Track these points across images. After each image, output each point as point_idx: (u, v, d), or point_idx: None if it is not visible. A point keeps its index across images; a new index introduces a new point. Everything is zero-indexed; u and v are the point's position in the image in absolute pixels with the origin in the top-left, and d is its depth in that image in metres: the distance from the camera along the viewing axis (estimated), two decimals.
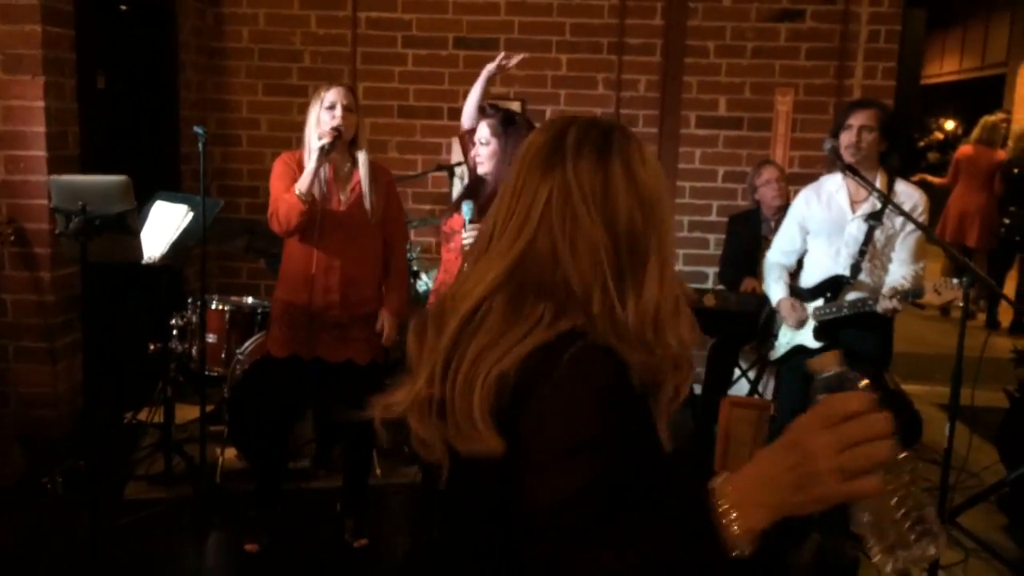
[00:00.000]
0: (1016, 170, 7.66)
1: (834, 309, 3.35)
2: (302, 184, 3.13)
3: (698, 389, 4.89)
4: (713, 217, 5.72)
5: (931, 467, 4.62)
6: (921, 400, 4.99)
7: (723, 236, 5.49)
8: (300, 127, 3.34)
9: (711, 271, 5.72)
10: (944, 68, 13.48)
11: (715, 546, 0.94)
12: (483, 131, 3.23)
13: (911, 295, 3.18)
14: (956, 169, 7.99)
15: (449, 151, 5.74)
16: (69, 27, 4.31)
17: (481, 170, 3.28)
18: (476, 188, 3.33)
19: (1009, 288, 7.97)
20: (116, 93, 4.91)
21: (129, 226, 2.98)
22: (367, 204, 3.30)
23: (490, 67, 3.57)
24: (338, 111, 3.19)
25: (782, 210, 4.63)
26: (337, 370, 3.39)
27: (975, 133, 8.02)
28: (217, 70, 5.81)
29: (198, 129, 3.52)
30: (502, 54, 3.65)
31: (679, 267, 5.79)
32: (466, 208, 3.16)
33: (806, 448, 0.93)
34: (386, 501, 4.02)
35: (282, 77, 5.78)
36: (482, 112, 3.31)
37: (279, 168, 3.29)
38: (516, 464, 1.09)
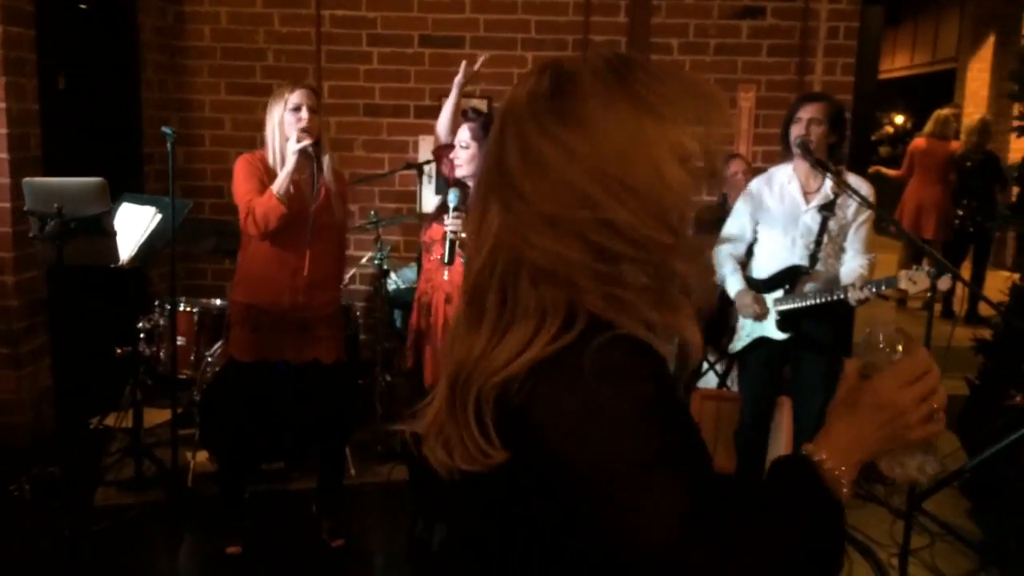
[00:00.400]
0: (968, 163, 7.83)
1: (797, 300, 3.40)
2: (280, 186, 3.12)
3: None
4: None
5: None
6: None
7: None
8: (263, 126, 3.31)
9: None
10: (896, 63, 13.74)
11: (836, 508, 1.00)
12: (463, 134, 3.24)
13: (884, 284, 3.24)
14: (911, 162, 8.14)
15: (416, 149, 5.74)
16: (30, 27, 4.24)
17: (460, 172, 3.28)
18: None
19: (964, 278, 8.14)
20: (77, 93, 4.83)
21: (105, 228, 2.94)
22: (333, 207, 3.30)
23: (458, 79, 3.55)
24: (304, 113, 3.18)
25: None
26: (304, 371, 3.38)
27: (928, 126, 8.17)
28: (179, 69, 5.75)
29: (166, 129, 3.49)
30: (464, 62, 3.60)
31: None
32: (452, 195, 3.16)
33: (897, 406, 1.03)
34: (361, 500, 4.01)
35: (245, 76, 5.73)
36: (464, 116, 3.31)
37: (245, 169, 3.25)
38: (537, 479, 1.01)
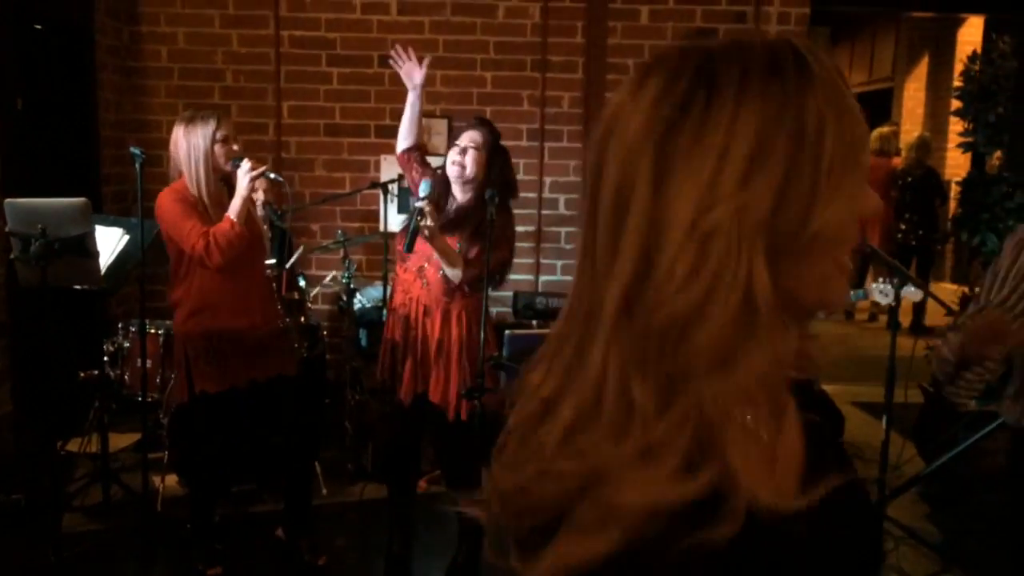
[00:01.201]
0: (910, 178, 8.10)
1: None
2: (237, 212, 3.13)
3: None
4: None
5: (853, 462, 4.89)
6: (836, 399, 5.23)
7: None
8: (178, 154, 3.30)
9: None
10: None
11: None
12: (477, 136, 3.23)
13: (854, 297, 3.34)
14: None
15: (378, 168, 5.76)
16: None
17: (465, 174, 3.22)
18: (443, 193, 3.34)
19: None
20: (34, 115, 4.76)
21: (88, 249, 2.92)
22: (259, 227, 3.40)
23: (418, 80, 3.48)
24: (236, 145, 3.27)
25: None
26: (268, 388, 3.38)
27: (871, 143, 8.45)
28: (136, 90, 5.69)
29: (135, 150, 3.48)
30: (424, 61, 3.53)
31: None
32: (424, 185, 3.18)
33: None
34: (334, 520, 4.00)
35: (204, 96, 5.69)
36: (478, 122, 3.31)
37: (180, 206, 3.19)
38: None
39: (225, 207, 3.21)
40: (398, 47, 3.56)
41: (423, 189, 3.16)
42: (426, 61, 3.52)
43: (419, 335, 3.25)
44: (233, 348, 3.28)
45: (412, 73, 3.47)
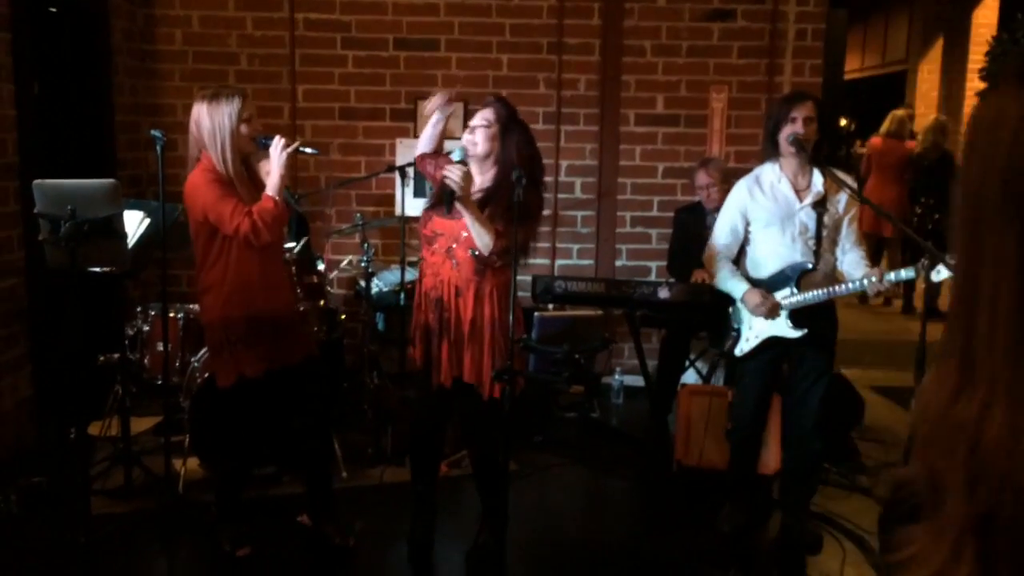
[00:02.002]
0: (926, 162, 8.04)
1: (811, 296, 3.44)
2: (276, 190, 3.12)
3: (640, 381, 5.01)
4: (654, 212, 5.86)
5: (873, 446, 4.88)
6: (856, 384, 5.20)
7: (664, 231, 5.64)
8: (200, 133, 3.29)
9: (653, 265, 5.86)
10: (847, 66, 14.02)
11: None
12: (488, 113, 3.21)
13: (903, 275, 3.29)
14: (868, 162, 8.32)
15: (393, 152, 5.73)
16: (6, 30, 4.15)
17: (478, 150, 3.20)
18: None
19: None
20: (50, 98, 4.74)
21: (116, 230, 2.90)
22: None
23: (441, 104, 3.57)
24: (256, 123, 3.24)
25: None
26: (296, 371, 3.36)
27: (884, 126, 8.37)
28: (150, 73, 5.68)
29: (156, 132, 3.45)
30: (446, 96, 3.62)
31: (622, 262, 5.92)
32: (457, 151, 3.18)
33: None
34: (355, 503, 3.99)
35: (218, 79, 5.65)
36: (491, 99, 3.28)
37: (217, 187, 3.14)
38: None
39: (247, 186, 3.19)
40: (439, 97, 3.61)
41: (456, 155, 3.16)
42: (455, 92, 3.67)
43: (452, 316, 3.23)
44: (271, 330, 3.27)
45: (446, 107, 3.58)
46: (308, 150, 3.30)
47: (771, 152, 3.54)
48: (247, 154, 3.26)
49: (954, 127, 9.69)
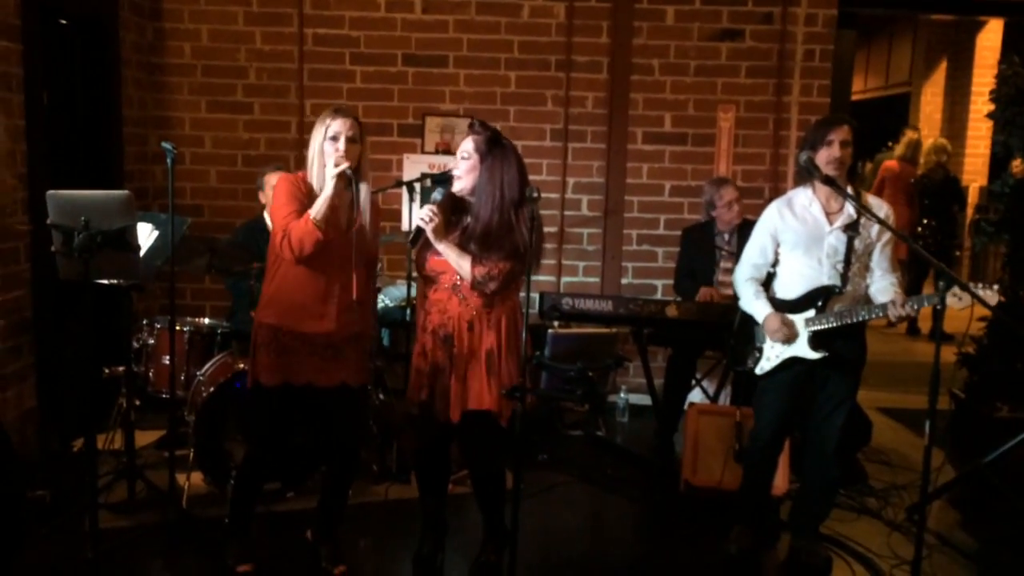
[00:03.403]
0: (930, 183, 8.06)
1: (832, 319, 3.41)
2: (318, 211, 3.08)
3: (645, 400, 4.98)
4: (661, 231, 5.85)
5: (880, 468, 4.85)
6: (862, 405, 5.18)
7: (671, 249, 5.63)
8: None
9: (660, 283, 5.85)
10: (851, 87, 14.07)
11: None
12: (467, 145, 3.20)
13: (926, 301, 3.27)
14: (881, 184, 8.31)
15: (400, 167, 5.73)
16: (17, 42, 4.15)
17: (456, 186, 3.22)
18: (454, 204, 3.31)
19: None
20: (58, 110, 4.74)
21: (129, 242, 2.88)
22: (368, 233, 3.28)
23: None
24: (342, 144, 3.13)
25: (737, 225, 4.77)
26: (329, 393, 3.32)
27: (899, 149, 8.37)
28: (158, 86, 5.68)
29: (166, 145, 3.44)
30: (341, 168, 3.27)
31: (628, 279, 5.90)
32: (438, 192, 3.21)
33: None
34: (360, 521, 3.96)
35: (226, 94, 5.68)
36: (470, 128, 3.29)
37: (287, 189, 3.18)
38: None
39: (339, 205, 3.17)
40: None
41: (437, 195, 3.21)
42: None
43: (464, 350, 3.21)
44: (298, 346, 3.23)
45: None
46: (349, 172, 3.18)
47: (804, 177, 3.52)
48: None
49: (957, 149, 9.72)
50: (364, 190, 3.25)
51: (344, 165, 3.09)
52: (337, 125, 3.15)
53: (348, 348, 3.29)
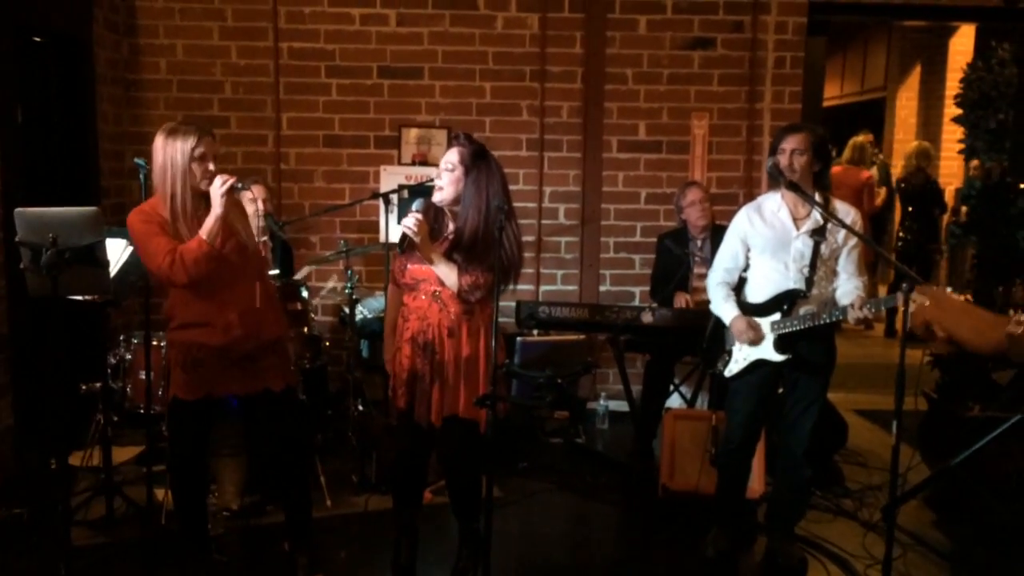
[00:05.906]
0: (910, 187, 8.14)
1: (796, 323, 3.46)
2: (210, 231, 3.05)
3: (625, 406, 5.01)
4: (637, 238, 5.89)
5: (856, 469, 4.90)
6: (839, 407, 5.22)
7: (647, 256, 5.67)
8: (221, 158, 3.22)
9: (637, 290, 5.89)
10: (826, 93, 14.18)
11: None
12: (452, 156, 3.22)
13: (883, 303, 3.33)
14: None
15: (377, 179, 5.76)
16: None
17: (437, 197, 3.25)
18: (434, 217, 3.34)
19: None
20: (33, 126, 4.74)
21: (98, 258, 2.89)
22: (243, 236, 3.26)
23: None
24: (211, 164, 3.11)
25: (707, 229, 4.83)
26: (255, 401, 3.34)
27: (845, 154, 8.39)
28: (134, 102, 5.69)
29: (139, 161, 3.46)
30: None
31: (606, 287, 5.94)
32: (417, 202, 3.24)
33: None
34: (339, 532, 3.97)
35: (202, 108, 5.69)
36: (455, 139, 3.30)
37: (148, 226, 3.09)
38: None
39: (194, 227, 3.11)
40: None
41: (416, 205, 3.23)
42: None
43: (444, 357, 3.22)
44: (210, 360, 3.22)
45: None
46: (239, 185, 3.14)
47: (773, 182, 3.57)
48: (200, 194, 3.14)
49: (933, 153, 9.81)
50: (218, 203, 3.12)
51: (232, 180, 3.06)
52: (205, 145, 3.10)
53: (265, 354, 3.30)
